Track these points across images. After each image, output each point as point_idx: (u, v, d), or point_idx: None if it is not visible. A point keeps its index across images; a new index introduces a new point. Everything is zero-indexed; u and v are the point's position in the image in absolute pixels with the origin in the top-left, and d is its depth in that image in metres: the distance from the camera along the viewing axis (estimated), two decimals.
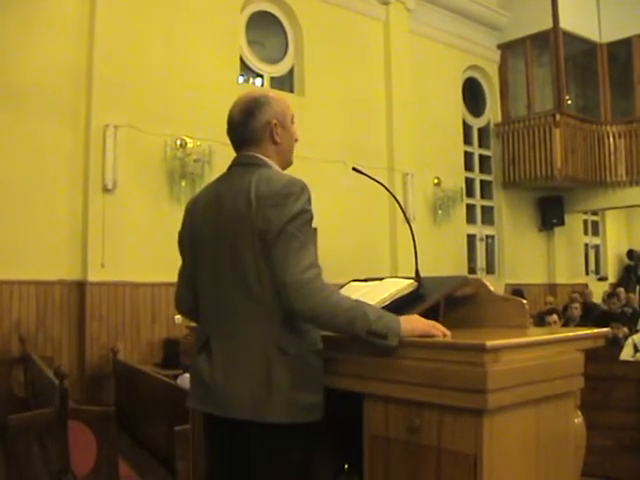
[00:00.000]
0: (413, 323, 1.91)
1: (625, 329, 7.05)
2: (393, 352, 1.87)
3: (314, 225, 2.03)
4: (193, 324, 2.30)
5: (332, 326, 1.92)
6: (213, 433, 2.13)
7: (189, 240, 2.15)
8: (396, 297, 2.14)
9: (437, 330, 1.90)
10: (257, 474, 1.98)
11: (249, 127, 2.10)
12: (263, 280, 1.94)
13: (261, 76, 9.29)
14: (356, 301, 1.93)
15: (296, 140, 2.20)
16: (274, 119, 2.10)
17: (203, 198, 2.15)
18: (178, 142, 7.80)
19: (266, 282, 1.94)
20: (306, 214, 1.96)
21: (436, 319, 2.03)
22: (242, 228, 1.96)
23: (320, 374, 2.01)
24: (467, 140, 11.93)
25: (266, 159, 2.10)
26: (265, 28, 9.39)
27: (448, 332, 1.90)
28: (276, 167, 2.11)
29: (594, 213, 14.45)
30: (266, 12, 9.31)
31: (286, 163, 2.18)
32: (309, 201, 1.99)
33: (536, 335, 2.06)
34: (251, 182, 1.99)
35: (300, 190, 1.97)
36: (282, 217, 1.91)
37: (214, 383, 1.99)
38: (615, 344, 6.18)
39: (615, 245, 15.10)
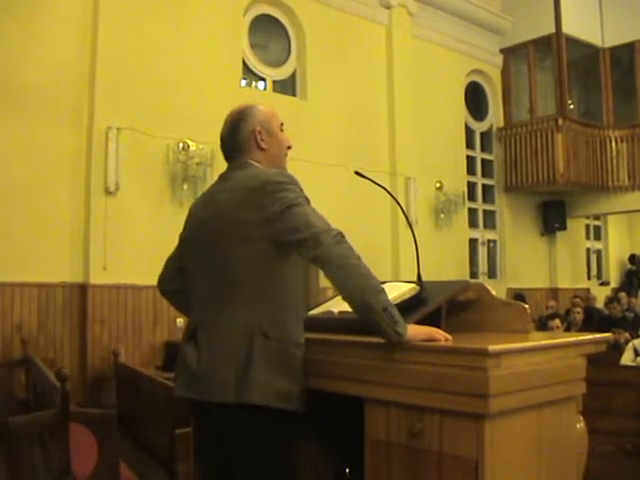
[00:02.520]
0: (416, 329, 1.92)
1: (626, 334, 7.04)
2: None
3: None
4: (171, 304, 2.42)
5: (356, 283, 1.91)
6: (199, 420, 2.19)
7: (188, 238, 2.24)
8: (398, 301, 2.14)
9: (439, 335, 1.90)
10: (238, 457, 2.02)
11: (236, 138, 2.20)
12: (249, 269, 2.01)
13: (263, 79, 9.29)
14: None
15: (289, 147, 2.28)
16: (258, 126, 2.19)
17: (202, 197, 2.28)
18: (180, 145, 7.81)
19: (253, 272, 2.01)
20: (302, 196, 2.04)
21: (438, 323, 2.03)
22: (233, 219, 2.03)
23: (299, 365, 2.05)
24: (469, 144, 11.92)
25: (257, 163, 2.18)
26: (268, 31, 9.40)
27: (450, 337, 1.91)
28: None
29: (596, 218, 14.43)
30: (269, 15, 9.31)
31: (278, 168, 2.21)
32: (300, 189, 2.06)
33: (538, 340, 2.06)
34: (242, 178, 2.09)
35: (290, 180, 2.06)
36: (277, 200, 1.98)
37: (200, 369, 2.04)
38: (616, 349, 6.17)
39: (617, 250, 15.08)
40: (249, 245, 2.00)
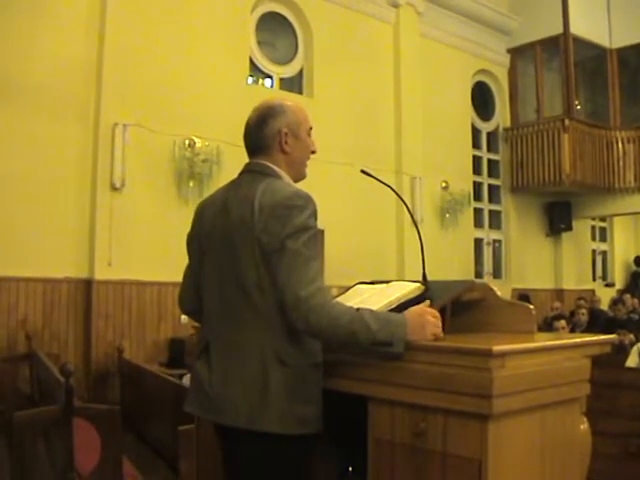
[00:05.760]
0: (412, 327, 1.89)
1: (631, 336, 7.03)
2: (400, 357, 1.87)
3: (321, 227, 2.01)
4: (198, 324, 2.31)
5: (335, 341, 1.93)
6: (217, 436, 2.13)
7: (197, 244, 2.14)
8: (402, 301, 2.13)
9: (430, 317, 1.92)
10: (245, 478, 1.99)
11: (260, 134, 2.08)
12: (264, 289, 1.93)
13: (270, 77, 9.30)
14: (358, 311, 1.89)
15: (313, 152, 2.16)
16: (285, 128, 2.07)
17: (212, 203, 2.14)
18: (187, 142, 7.82)
19: (267, 292, 1.93)
20: (309, 230, 1.92)
21: (442, 323, 2.03)
22: (245, 237, 1.95)
23: (318, 387, 2.00)
24: (476, 144, 11.91)
25: (276, 169, 2.07)
26: (275, 29, 9.41)
27: (437, 314, 1.94)
28: (286, 178, 2.08)
29: (602, 219, 14.41)
30: (276, 13, 9.32)
31: (298, 175, 2.14)
32: (313, 215, 1.95)
33: (543, 341, 2.05)
34: (257, 191, 1.97)
35: (304, 203, 1.94)
36: (283, 230, 1.89)
37: (211, 389, 1.99)
38: (621, 351, 6.16)
39: (622, 251, 15.06)
40: (257, 262, 1.93)
